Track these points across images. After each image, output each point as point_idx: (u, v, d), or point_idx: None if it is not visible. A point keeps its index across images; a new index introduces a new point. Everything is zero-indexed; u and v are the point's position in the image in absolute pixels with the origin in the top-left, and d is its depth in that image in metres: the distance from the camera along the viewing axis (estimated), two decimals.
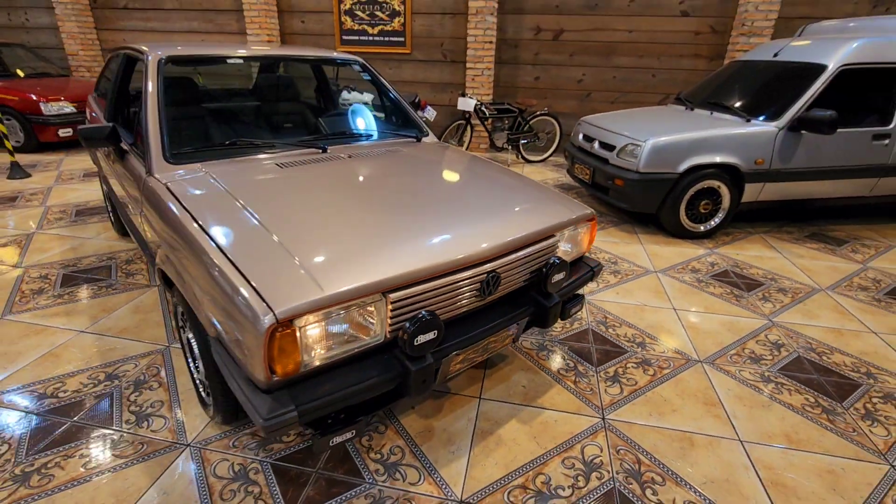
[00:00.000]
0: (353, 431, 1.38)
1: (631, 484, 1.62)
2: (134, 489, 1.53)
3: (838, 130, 3.61)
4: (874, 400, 2.06)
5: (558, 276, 1.72)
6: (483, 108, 5.60)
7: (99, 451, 1.67)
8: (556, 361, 2.25)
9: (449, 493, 1.56)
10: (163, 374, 2.07)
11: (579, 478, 1.64)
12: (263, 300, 1.18)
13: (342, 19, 6.69)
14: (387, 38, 6.65)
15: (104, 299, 2.64)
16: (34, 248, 3.25)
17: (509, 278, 1.65)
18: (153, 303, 2.62)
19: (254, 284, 1.23)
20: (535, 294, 1.76)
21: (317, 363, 1.28)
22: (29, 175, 4.86)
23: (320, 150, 2.16)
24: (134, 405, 1.89)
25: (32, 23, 7.53)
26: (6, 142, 4.79)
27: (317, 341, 1.26)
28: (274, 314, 1.15)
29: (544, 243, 1.73)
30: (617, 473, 1.66)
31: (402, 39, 6.60)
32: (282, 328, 1.16)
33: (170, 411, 1.86)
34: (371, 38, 6.70)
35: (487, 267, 1.53)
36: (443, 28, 6.45)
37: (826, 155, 3.68)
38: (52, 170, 5.16)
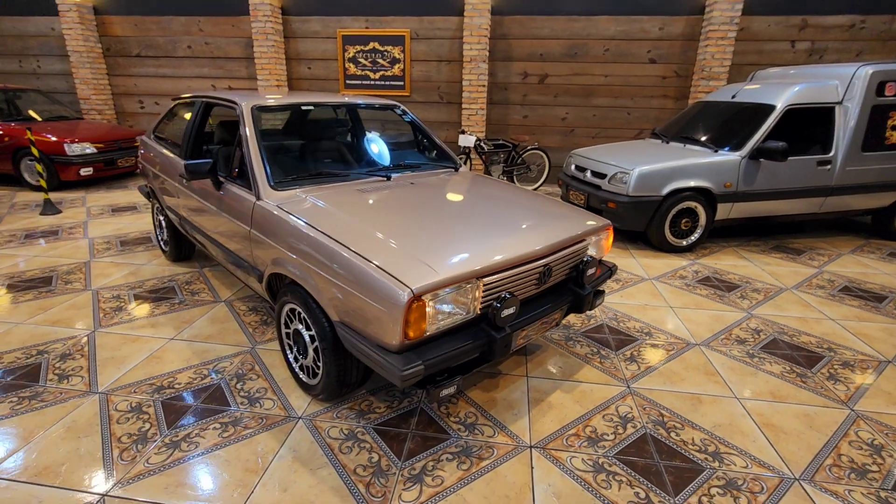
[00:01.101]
0: (455, 387, 1.80)
1: (658, 430, 2.07)
2: (268, 449, 1.89)
3: (789, 158, 4.32)
4: (835, 366, 2.59)
5: (591, 270, 2.21)
6: (482, 144, 6.22)
7: (228, 425, 2.02)
8: (582, 348, 2.71)
9: (520, 441, 1.98)
10: (258, 368, 2.43)
11: (618, 427, 2.08)
12: (400, 281, 1.62)
13: (346, 66, 7.31)
14: (388, 83, 7.28)
15: (180, 313, 2.98)
16: (96, 273, 3.55)
17: (557, 271, 2.13)
18: (225, 315, 2.97)
19: (388, 271, 1.67)
20: (572, 286, 2.24)
21: (429, 333, 1.71)
22: (60, 211, 5.14)
23: (385, 179, 2.63)
24: (242, 391, 2.24)
25: (44, 69, 7.88)
26: (41, 180, 5.09)
27: (433, 314, 1.70)
28: (411, 290, 1.59)
29: (579, 245, 2.22)
30: (646, 423, 2.11)
31: (402, 83, 7.25)
32: (416, 301, 1.60)
33: (275, 395, 2.22)
34: (373, 82, 7.33)
35: (544, 261, 2.01)
36: (439, 73, 7.14)
37: (782, 179, 4.37)
38: (78, 206, 5.44)
